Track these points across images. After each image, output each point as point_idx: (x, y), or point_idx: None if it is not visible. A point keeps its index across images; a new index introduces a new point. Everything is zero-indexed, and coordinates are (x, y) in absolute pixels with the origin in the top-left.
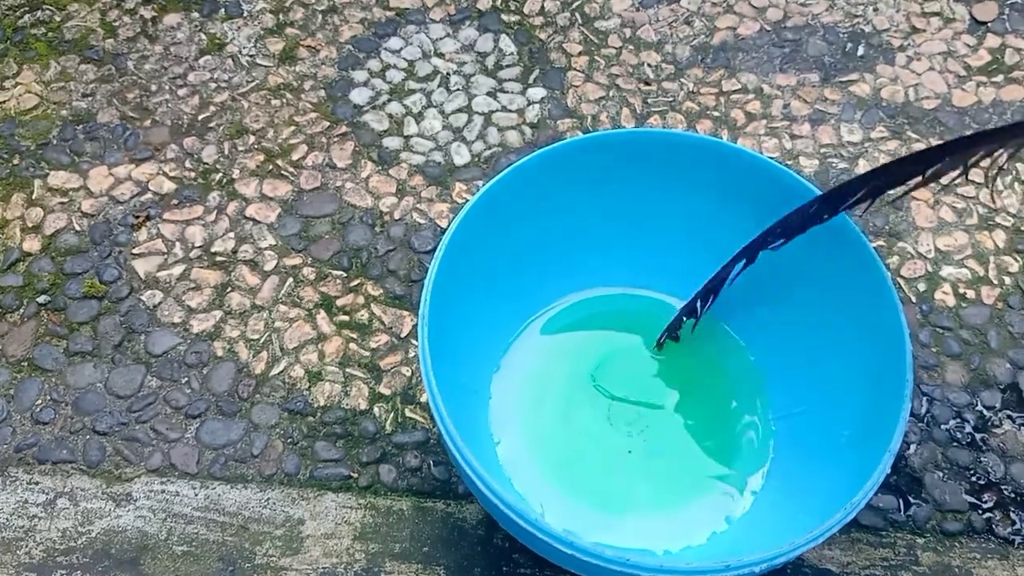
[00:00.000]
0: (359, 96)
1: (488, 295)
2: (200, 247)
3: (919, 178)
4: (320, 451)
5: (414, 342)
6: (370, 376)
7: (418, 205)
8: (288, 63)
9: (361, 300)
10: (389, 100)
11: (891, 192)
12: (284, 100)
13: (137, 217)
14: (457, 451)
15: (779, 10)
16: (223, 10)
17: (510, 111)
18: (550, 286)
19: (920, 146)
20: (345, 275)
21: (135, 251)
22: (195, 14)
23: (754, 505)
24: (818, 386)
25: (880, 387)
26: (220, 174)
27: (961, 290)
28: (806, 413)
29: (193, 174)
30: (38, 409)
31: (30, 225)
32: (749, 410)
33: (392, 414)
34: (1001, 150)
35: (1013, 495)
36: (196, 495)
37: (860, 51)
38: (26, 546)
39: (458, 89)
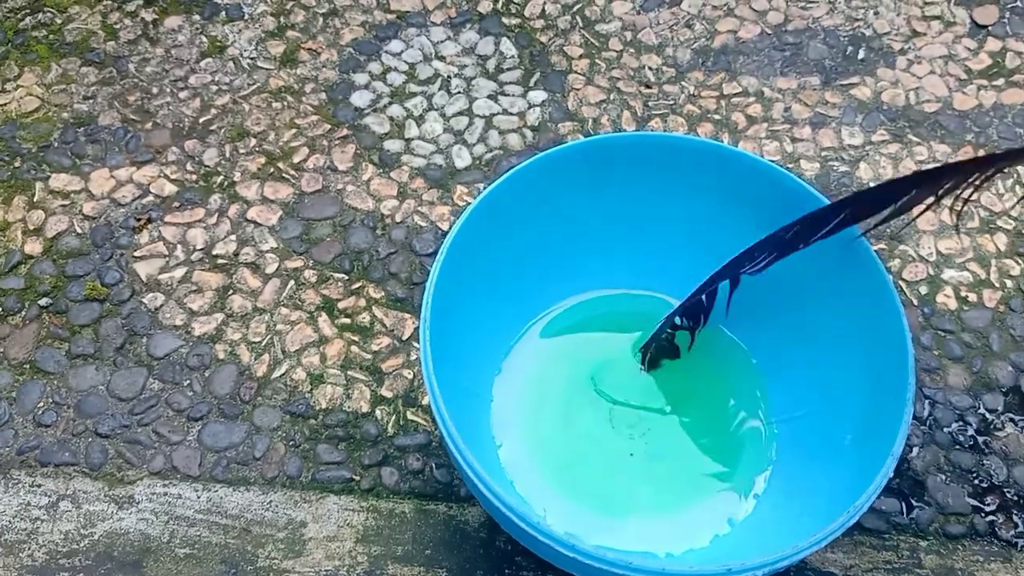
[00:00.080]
0: (360, 99)
1: (489, 298)
2: (201, 250)
3: (890, 209)
4: (322, 454)
5: (415, 345)
6: (372, 379)
7: (419, 208)
8: (289, 66)
9: (363, 303)
10: (390, 103)
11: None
12: (285, 103)
13: (138, 220)
14: (459, 454)
15: (780, 13)
16: (224, 13)
17: (511, 114)
18: (551, 289)
19: (921, 149)
20: (347, 278)
21: (136, 254)
22: (196, 17)
23: (756, 508)
24: (820, 389)
25: (882, 390)
26: (221, 177)
27: (963, 293)
28: (808, 416)
29: (194, 177)
30: (40, 412)
31: (31, 228)
32: (751, 413)
33: (394, 417)
34: (969, 181)
35: (1016, 498)
36: (198, 498)
37: (861, 54)
38: (28, 548)
39: (459, 92)
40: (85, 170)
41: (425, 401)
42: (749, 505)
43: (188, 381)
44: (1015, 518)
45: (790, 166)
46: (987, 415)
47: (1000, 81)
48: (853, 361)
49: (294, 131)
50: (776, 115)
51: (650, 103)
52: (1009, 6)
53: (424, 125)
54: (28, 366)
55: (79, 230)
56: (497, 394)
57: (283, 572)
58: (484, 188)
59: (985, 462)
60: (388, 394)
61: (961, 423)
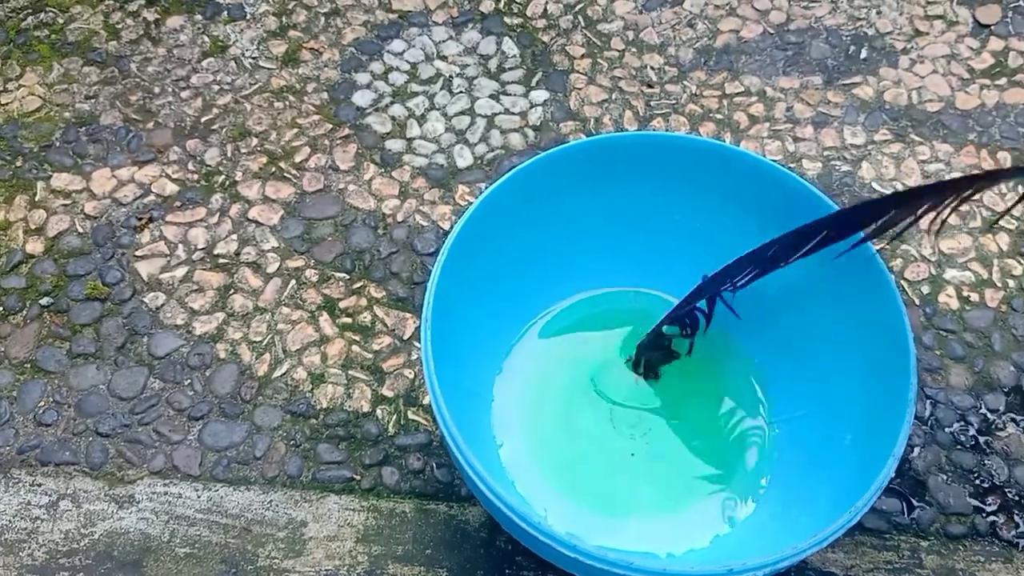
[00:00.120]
0: (362, 98)
1: (491, 297)
2: (203, 249)
3: (871, 228)
4: (323, 453)
5: (416, 344)
6: (373, 378)
7: (421, 207)
8: (291, 65)
9: (364, 302)
10: (392, 102)
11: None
12: (287, 102)
13: (140, 219)
14: (460, 453)
15: (782, 13)
16: (226, 12)
17: (513, 114)
18: (552, 288)
19: (923, 149)
20: (348, 277)
21: (138, 253)
22: (198, 16)
23: (757, 508)
24: (821, 389)
25: (884, 390)
26: (223, 176)
27: (965, 293)
28: (809, 416)
29: (196, 176)
30: (41, 411)
31: (33, 227)
32: (752, 413)
33: (395, 416)
34: (947, 202)
35: (1017, 498)
36: (199, 497)
37: (863, 54)
38: (29, 548)
39: (461, 92)
40: (87, 170)
41: (426, 401)
42: (750, 505)
43: (189, 380)
44: (1016, 518)
45: (792, 166)
46: (988, 415)
47: (1003, 80)
48: (854, 361)
49: (296, 131)
50: (778, 114)
51: (652, 103)
52: (1011, 5)
53: (426, 125)
54: (29, 365)
55: (80, 229)
56: (498, 394)
57: (283, 572)
58: (486, 188)
59: (986, 462)
60: (389, 393)
61: (963, 423)
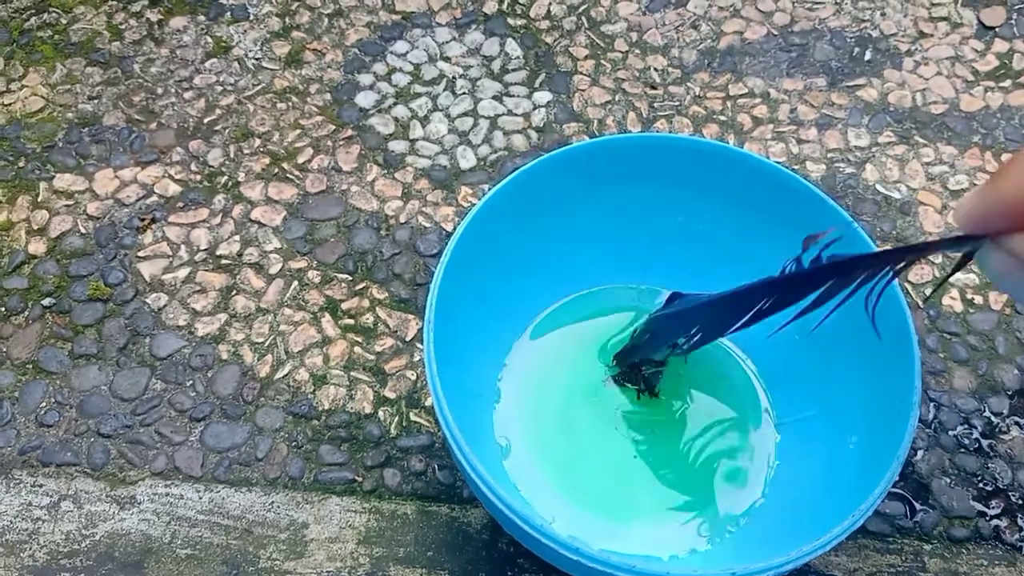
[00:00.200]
0: (365, 99)
1: (493, 298)
2: (205, 250)
3: (809, 300)
4: (324, 455)
5: (419, 346)
6: (375, 380)
7: (424, 209)
8: (294, 66)
9: (366, 303)
10: (395, 103)
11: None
12: (290, 103)
13: (142, 220)
14: (462, 455)
15: (786, 15)
16: (229, 13)
17: (516, 115)
18: (556, 290)
19: (927, 151)
20: (350, 278)
21: (140, 254)
22: (201, 17)
23: (761, 511)
24: (825, 391)
25: (888, 393)
26: (226, 177)
27: (969, 295)
28: (813, 419)
29: (199, 177)
30: (42, 411)
31: (35, 227)
32: (755, 414)
33: (397, 418)
34: (884, 271)
35: (1021, 502)
36: (200, 498)
37: (867, 56)
38: (30, 549)
39: (464, 93)
40: (89, 170)
41: (428, 402)
42: (753, 508)
43: (191, 381)
44: (1020, 522)
45: (796, 167)
46: (992, 418)
47: (1007, 83)
48: (858, 363)
49: (298, 132)
50: (782, 116)
51: (655, 104)
52: (1016, 7)
53: (429, 126)
54: (31, 366)
55: (83, 230)
56: (500, 395)
57: (284, 573)
58: (489, 189)
59: (990, 465)
60: (391, 395)
61: (966, 426)
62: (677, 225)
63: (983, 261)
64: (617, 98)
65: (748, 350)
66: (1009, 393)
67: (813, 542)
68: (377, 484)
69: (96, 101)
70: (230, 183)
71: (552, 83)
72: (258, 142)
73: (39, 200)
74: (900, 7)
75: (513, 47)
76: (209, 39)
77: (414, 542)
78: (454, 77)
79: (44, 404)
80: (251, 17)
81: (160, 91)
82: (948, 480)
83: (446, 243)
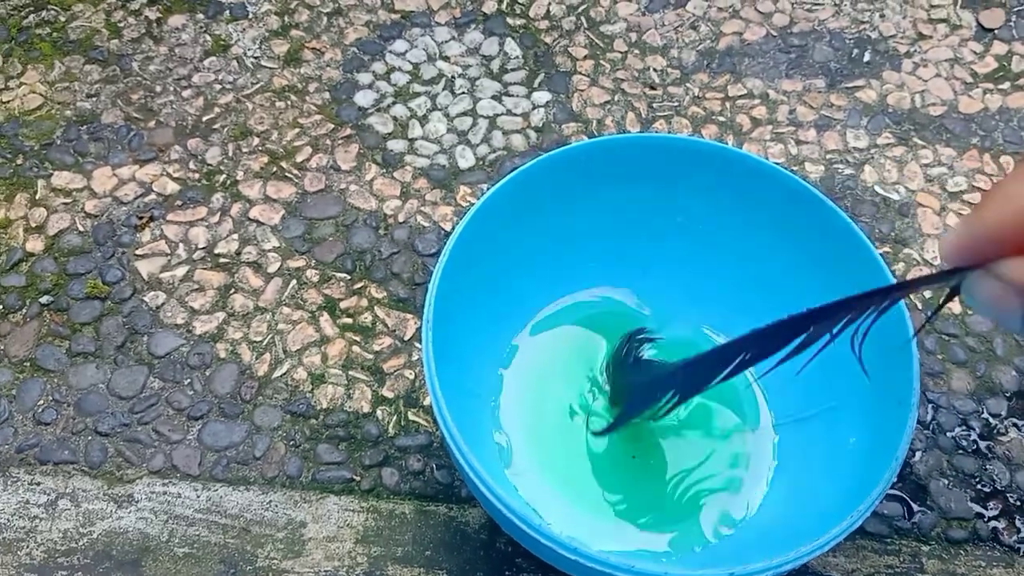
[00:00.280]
0: (364, 99)
1: (492, 298)
2: (203, 248)
3: (788, 348)
4: (322, 454)
5: (417, 345)
6: (373, 379)
7: (422, 208)
8: (293, 65)
9: (364, 303)
10: (394, 103)
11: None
12: (288, 102)
13: (141, 218)
14: (460, 455)
15: (785, 16)
16: (228, 12)
17: (515, 115)
18: (555, 290)
19: (926, 152)
20: (349, 278)
21: (138, 252)
22: (200, 15)
23: (759, 511)
24: (823, 392)
25: (886, 394)
26: (224, 175)
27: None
28: (811, 419)
29: (197, 175)
30: (40, 410)
31: (33, 225)
32: (753, 415)
33: (395, 417)
34: (865, 314)
35: (1019, 503)
36: (198, 497)
37: (866, 57)
38: (27, 547)
39: (463, 92)
40: (87, 168)
41: (426, 402)
42: (751, 508)
43: (189, 380)
44: (1018, 523)
45: (795, 168)
46: (990, 420)
47: (1006, 85)
48: (857, 364)
49: (297, 130)
50: (781, 117)
51: (655, 104)
52: (1016, 9)
53: (428, 125)
54: (28, 364)
55: (81, 228)
56: (499, 395)
57: (282, 572)
58: (487, 189)
59: (988, 467)
60: (389, 394)
61: (964, 427)
62: (676, 225)
63: (971, 291)
64: (616, 98)
65: None
66: (1007, 395)
67: (812, 543)
68: (375, 483)
69: (94, 99)
70: (228, 182)
71: (551, 83)
72: (257, 141)
73: (37, 198)
74: (899, 9)
75: (512, 47)
76: (208, 37)
77: (412, 541)
78: (453, 76)
79: (42, 402)
80: (250, 15)
81: (159, 89)
82: (946, 481)
83: (445, 242)
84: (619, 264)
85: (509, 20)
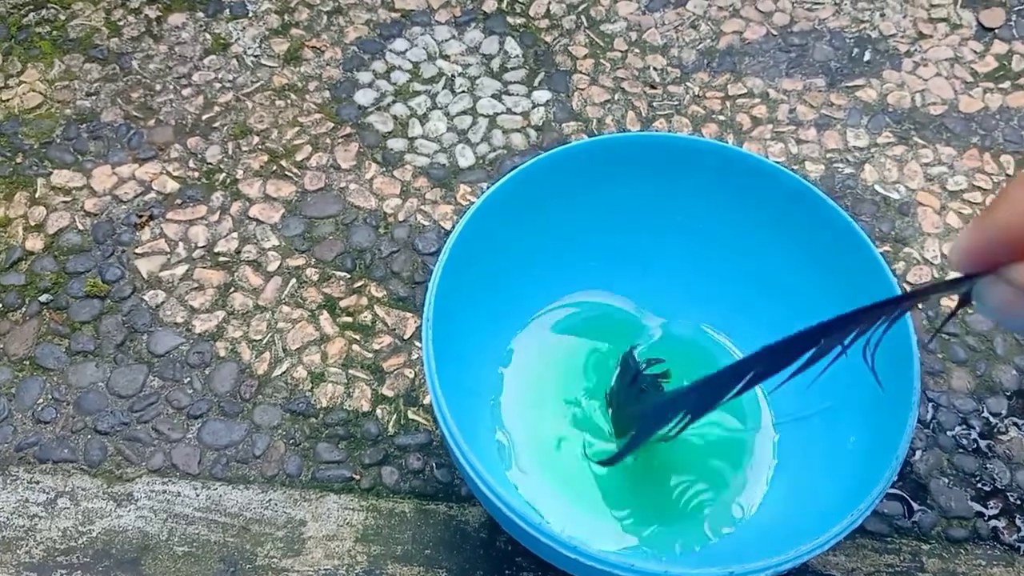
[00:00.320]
0: (364, 97)
1: (492, 297)
2: (203, 247)
3: (801, 361)
4: (322, 452)
5: (417, 344)
6: (373, 378)
7: (422, 207)
8: (293, 64)
9: (364, 301)
10: (394, 102)
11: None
12: (288, 101)
13: (140, 216)
14: (460, 453)
15: (785, 15)
16: (228, 10)
17: (515, 113)
18: (555, 289)
19: (926, 152)
20: (348, 276)
21: (138, 251)
22: (200, 14)
23: (758, 510)
24: (824, 391)
25: (887, 393)
26: (224, 174)
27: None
28: (811, 418)
29: (197, 174)
30: (39, 408)
31: (33, 224)
32: (753, 414)
33: (395, 416)
34: (876, 324)
35: (1019, 502)
36: (197, 495)
37: (867, 56)
38: (26, 545)
39: (463, 91)
40: (87, 167)
41: (426, 400)
42: (751, 507)
43: (188, 379)
44: (1018, 522)
45: (795, 168)
46: (991, 419)
47: (1006, 84)
48: (857, 363)
49: (297, 129)
50: (781, 116)
51: (655, 103)
52: (1016, 9)
53: (428, 124)
54: (28, 362)
55: (80, 227)
56: (499, 393)
57: (282, 571)
58: (487, 188)
59: (988, 466)
60: (389, 393)
61: (964, 426)
62: (676, 224)
63: (981, 297)
64: (616, 97)
65: (746, 350)
66: (1007, 394)
67: (812, 541)
68: (375, 482)
69: (94, 97)
70: (228, 180)
71: (551, 82)
72: (256, 139)
73: (37, 196)
74: (899, 8)
75: (512, 46)
76: (208, 36)
77: (412, 540)
78: (453, 75)
79: (41, 401)
80: (250, 14)
81: (158, 88)
82: (946, 480)
83: (444, 241)
84: (619, 263)
85: (509, 19)
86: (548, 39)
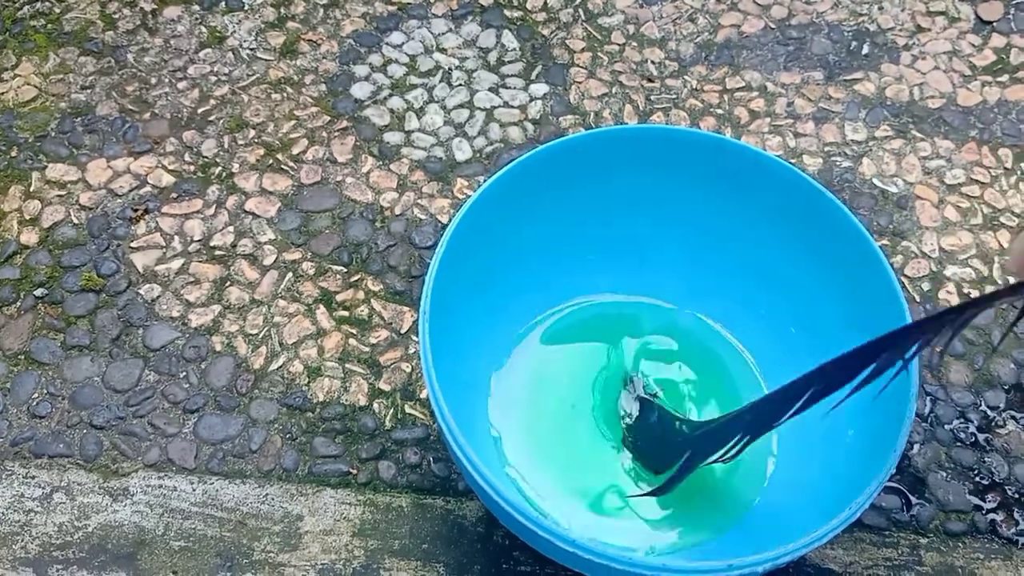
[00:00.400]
0: (360, 91)
1: (489, 291)
2: (199, 241)
3: (865, 374)
4: (319, 447)
5: (414, 338)
6: (370, 372)
7: (419, 200)
8: (289, 57)
9: (361, 295)
10: (390, 95)
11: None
12: (285, 94)
13: (136, 210)
14: (457, 447)
15: (783, 8)
16: (224, 3)
17: (512, 107)
18: (553, 284)
19: (924, 145)
20: (345, 270)
21: (133, 244)
22: (195, 7)
23: (757, 504)
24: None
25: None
26: (220, 168)
27: (965, 290)
28: (811, 411)
29: (192, 168)
30: (35, 403)
31: (28, 218)
32: None
33: (392, 410)
34: (938, 337)
35: (1017, 495)
36: (194, 490)
37: (865, 49)
38: (22, 540)
39: (460, 84)
40: (82, 160)
41: (423, 395)
42: (750, 501)
43: (184, 373)
44: (1016, 516)
45: (793, 161)
46: (989, 412)
47: (1004, 77)
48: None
49: (293, 122)
50: (779, 110)
51: (652, 97)
52: (1014, 2)
53: (424, 117)
54: (23, 357)
55: (75, 220)
56: (497, 388)
57: (279, 565)
58: (484, 181)
59: (986, 459)
60: (386, 387)
61: (962, 420)
62: (674, 216)
63: None
64: (614, 91)
65: (747, 344)
66: (1005, 387)
67: (810, 535)
68: (372, 477)
69: (89, 91)
70: (224, 174)
71: (549, 75)
72: (252, 133)
73: (31, 190)
74: (897, 1)
75: (509, 39)
76: (203, 29)
77: (409, 535)
78: (450, 68)
79: (36, 395)
80: (246, 7)
81: (154, 81)
82: (944, 474)
83: (441, 235)
84: (616, 255)
85: (506, 12)
86: (545, 32)
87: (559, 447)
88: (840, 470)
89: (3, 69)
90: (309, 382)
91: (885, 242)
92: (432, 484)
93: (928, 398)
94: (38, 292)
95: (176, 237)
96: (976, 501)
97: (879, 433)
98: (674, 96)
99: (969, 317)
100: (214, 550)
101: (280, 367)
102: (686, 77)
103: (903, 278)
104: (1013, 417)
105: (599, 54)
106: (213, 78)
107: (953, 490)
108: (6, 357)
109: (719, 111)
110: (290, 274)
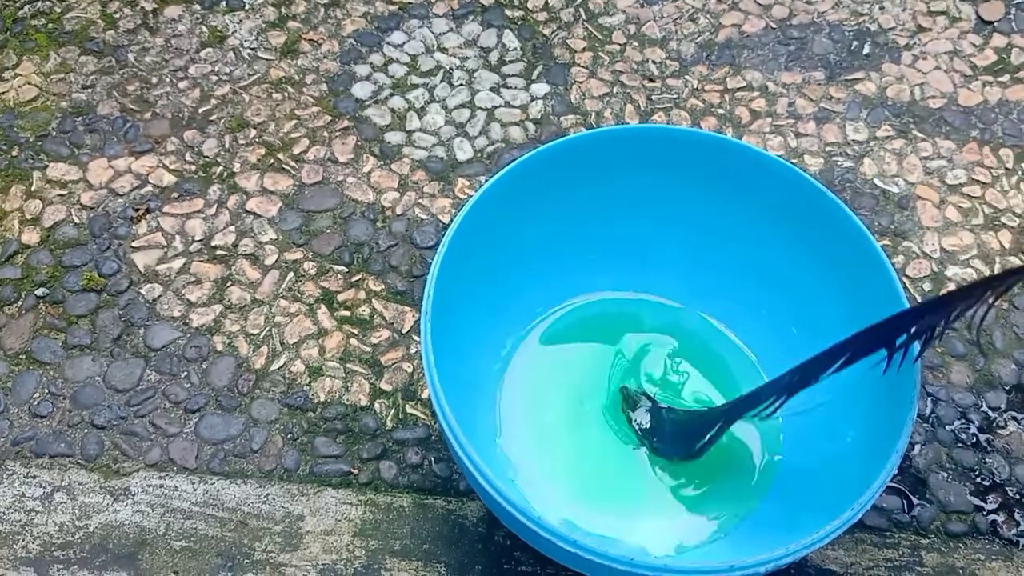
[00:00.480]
0: (361, 90)
1: (491, 290)
2: (200, 241)
3: (903, 339)
4: (320, 447)
5: (415, 338)
6: (371, 372)
7: (420, 200)
8: (290, 56)
9: (362, 295)
10: (391, 95)
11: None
12: (286, 94)
13: (137, 210)
14: (459, 447)
15: (784, 8)
16: (224, 2)
17: (513, 107)
18: (554, 282)
19: (925, 145)
20: (346, 270)
21: (134, 244)
22: (196, 6)
23: (760, 504)
24: (824, 386)
25: (887, 387)
26: (221, 167)
27: None
28: (812, 413)
29: (193, 167)
30: (36, 402)
31: (29, 217)
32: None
33: (393, 410)
34: (981, 301)
35: (1018, 496)
36: (195, 490)
37: (866, 49)
38: (23, 540)
39: (461, 84)
40: (83, 160)
41: (424, 395)
42: (752, 501)
43: (185, 373)
44: (1017, 516)
45: (794, 161)
46: (990, 413)
47: (1005, 77)
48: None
49: (294, 122)
50: (780, 110)
51: (653, 97)
52: (1015, 2)
53: (425, 117)
54: (24, 356)
55: (77, 220)
56: (499, 388)
57: (280, 565)
58: (486, 181)
59: (987, 460)
60: (387, 387)
61: (963, 421)
62: (675, 216)
63: None
64: (615, 90)
65: (749, 344)
66: (1007, 388)
67: (811, 536)
68: (373, 477)
69: (90, 90)
70: (225, 174)
71: (550, 75)
72: (253, 132)
73: (32, 190)
74: (898, 1)
75: (511, 38)
76: (204, 28)
77: (410, 535)
78: (451, 68)
79: (37, 395)
80: (247, 6)
81: (155, 80)
82: (945, 475)
83: (443, 235)
84: (618, 255)
85: (507, 12)
86: (546, 32)
87: (564, 444)
88: (842, 470)
89: (4, 68)
90: (310, 382)
91: (886, 242)
92: (433, 484)
93: (929, 399)
94: (39, 292)
95: (177, 237)
96: (977, 502)
97: (881, 434)
98: (675, 96)
99: (1010, 285)
100: (215, 550)
101: (281, 367)
102: (687, 77)
103: (904, 278)
104: (1014, 418)
105: (600, 54)
106: (214, 78)
107: (954, 491)
108: (7, 357)
109: (720, 111)
110: (291, 274)
